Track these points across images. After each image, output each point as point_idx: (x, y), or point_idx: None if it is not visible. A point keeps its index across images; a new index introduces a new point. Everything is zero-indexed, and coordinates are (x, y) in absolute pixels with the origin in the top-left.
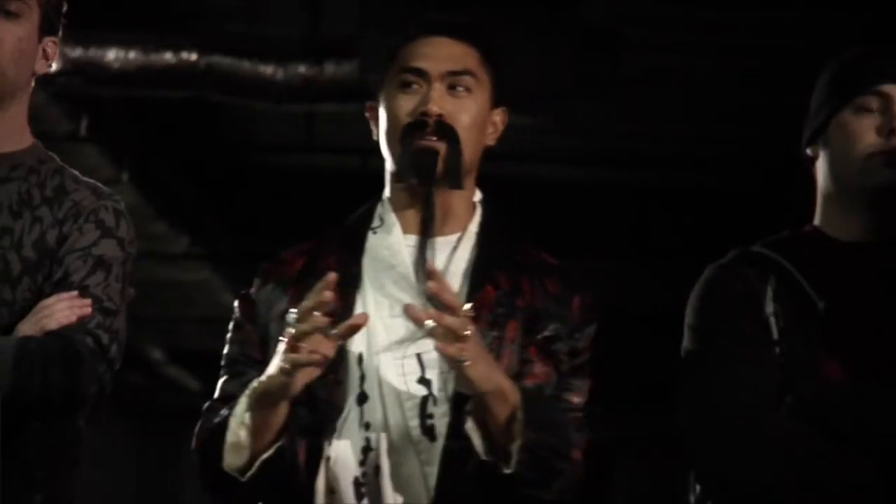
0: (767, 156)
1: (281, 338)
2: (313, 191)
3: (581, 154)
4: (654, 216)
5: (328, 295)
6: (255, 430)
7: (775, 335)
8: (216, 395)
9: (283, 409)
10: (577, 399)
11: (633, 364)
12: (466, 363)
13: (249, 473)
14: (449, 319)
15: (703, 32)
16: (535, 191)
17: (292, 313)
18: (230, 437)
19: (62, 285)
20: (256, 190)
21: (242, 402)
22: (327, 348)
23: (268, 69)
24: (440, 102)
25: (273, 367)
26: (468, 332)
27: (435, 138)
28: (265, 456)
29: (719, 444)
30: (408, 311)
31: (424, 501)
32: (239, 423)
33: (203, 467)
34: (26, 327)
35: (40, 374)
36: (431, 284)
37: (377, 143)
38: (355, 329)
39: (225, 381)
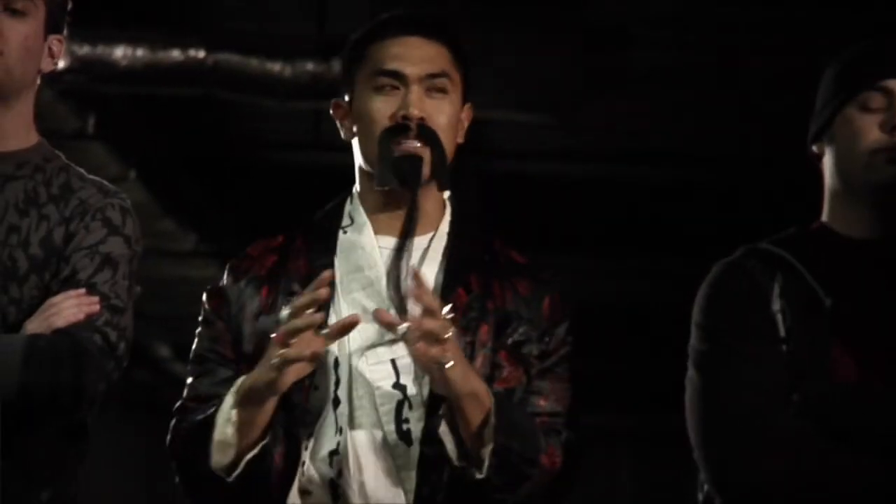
0: (774, 153)
1: (272, 335)
2: (321, 188)
3: (588, 152)
4: (660, 214)
5: (324, 292)
6: (242, 428)
7: (782, 332)
8: (186, 393)
9: (269, 407)
10: (544, 402)
11: (637, 362)
12: (448, 365)
13: (236, 473)
14: (430, 323)
15: (709, 30)
16: (542, 189)
17: (285, 310)
18: (217, 434)
19: (70, 283)
20: (264, 187)
21: (228, 399)
22: (318, 346)
23: (275, 66)
24: (420, 105)
25: (262, 363)
26: (448, 335)
27: (418, 143)
28: (251, 455)
29: (726, 443)
30: (377, 316)
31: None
32: (225, 421)
33: (186, 467)
34: (34, 325)
35: (49, 372)
36: (412, 287)
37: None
38: (347, 329)
39: (195, 380)
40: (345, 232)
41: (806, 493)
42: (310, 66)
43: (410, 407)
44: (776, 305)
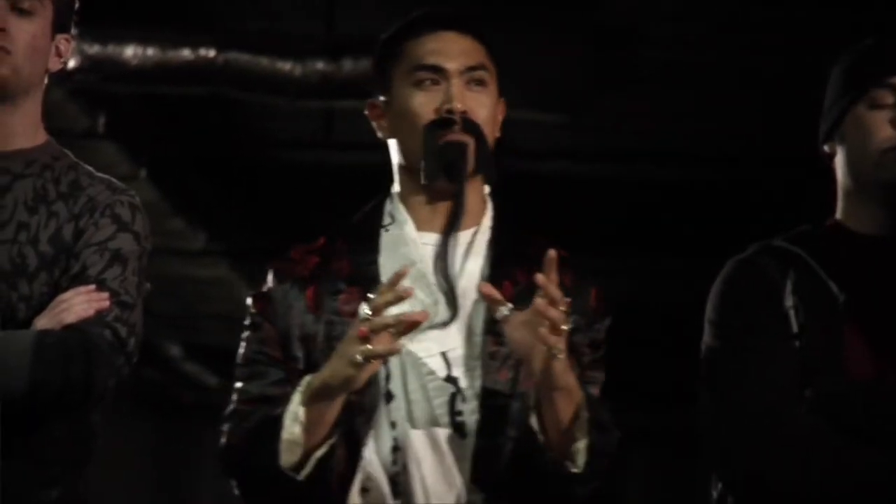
0: (784, 152)
1: (349, 331)
2: (331, 187)
3: (598, 151)
4: (670, 213)
5: (409, 289)
6: (310, 427)
7: (795, 329)
8: (238, 397)
9: (337, 405)
10: (597, 392)
11: (647, 361)
12: (560, 356)
13: (305, 472)
14: (554, 312)
15: (719, 28)
16: (552, 188)
17: (364, 307)
18: (285, 434)
19: (79, 279)
20: (274, 186)
21: (296, 398)
22: (395, 342)
23: (285, 66)
24: (462, 99)
25: (336, 360)
26: (566, 327)
27: (461, 133)
28: (320, 453)
29: (738, 439)
30: (484, 290)
31: (457, 497)
32: (293, 420)
33: (252, 468)
34: (44, 321)
35: (60, 368)
36: (540, 277)
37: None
38: (414, 325)
39: (246, 383)
40: (387, 230)
41: (818, 489)
42: (320, 65)
43: (464, 399)
44: (789, 302)
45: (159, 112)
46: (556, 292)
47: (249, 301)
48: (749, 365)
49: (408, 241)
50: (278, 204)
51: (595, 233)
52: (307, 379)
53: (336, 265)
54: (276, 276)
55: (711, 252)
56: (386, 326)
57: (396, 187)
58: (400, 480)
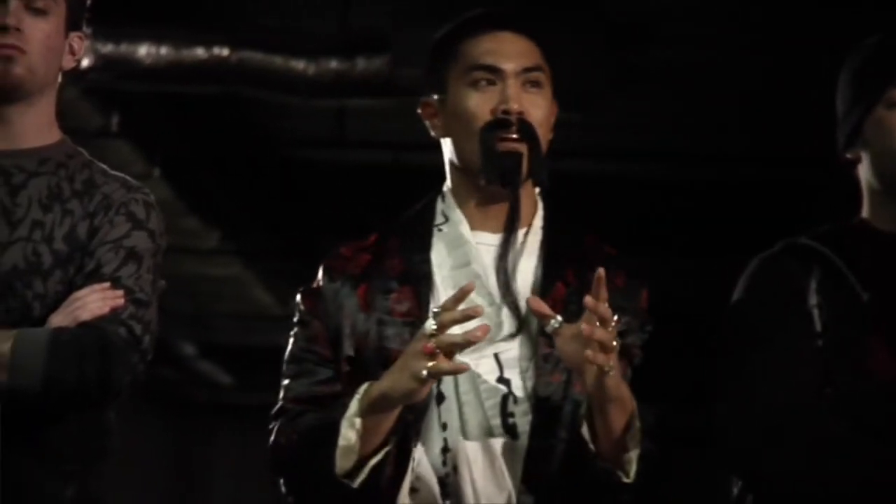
0: (797, 149)
1: (413, 345)
2: (344, 186)
3: (610, 149)
4: (684, 211)
5: (478, 308)
6: (366, 435)
7: (818, 327)
8: (285, 394)
9: (394, 415)
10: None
11: (665, 361)
12: (610, 373)
13: (360, 479)
14: (602, 334)
15: (731, 27)
16: (566, 186)
17: (430, 322)
18: (341, 440)
19: (94, 277)
20: (287, 185)
21: (354, 406)
22: (461, 362)
23: (299, 64)
24: (518, 100)
25: (398, 371)
26: (615, 344)
27: (516, 136)
28: (375, 461)
29: (759, 438)
30: (533, 304)
31: (507, 499)
32: (349, 427)
33: (305, 472)
34: (59, 319)
35: (75, 366)
36: (589, 300)
37: (408, 139)
38: (477, 339)
39: (293, 381)
40: (440, 230)
41: (838, 488)
42: (333, 63)
43: (515, 401)
44: (813, 300)
45: (173, 111)
46: (605, 312)
47: (298, 298)
48: (770, 362)
49: (463, 242)
50: (292, 202)
51: (609, 232)
52: (365, 387)
53: (388, 263)
54: (327, 274)
55: (728, 251)
56: (453, 345)
57: (448, 186)
58: (450, 482)
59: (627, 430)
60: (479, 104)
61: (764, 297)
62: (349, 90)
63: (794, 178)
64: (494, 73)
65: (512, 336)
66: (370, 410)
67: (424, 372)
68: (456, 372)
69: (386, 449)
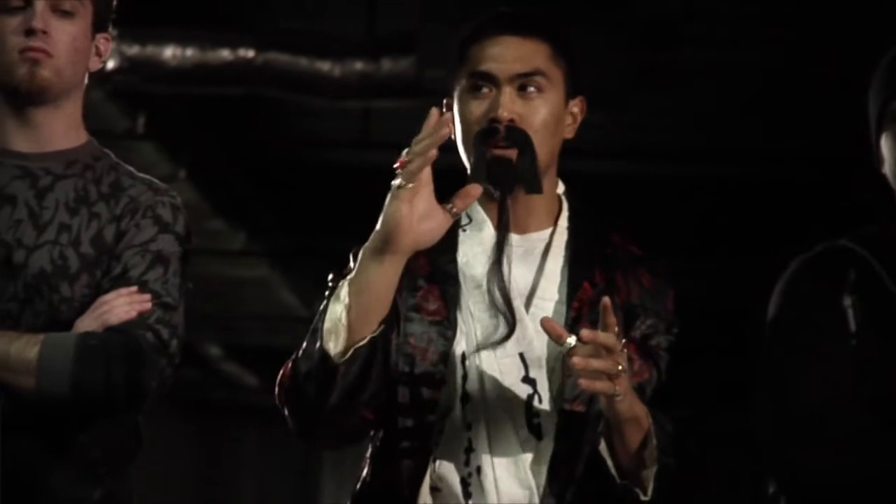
0: (822, 149)
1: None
2: (369, 187)
3: (638, 149)
4: (713, 211)
5: (445, 132)
6: (356, 315)
7: (853, 328)
8: (296, 354)
9: (387, 298)
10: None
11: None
12: (619, 398)
13: (345, 359)
14: (599, 364)
15: (759, 26)
16: (589, 186)
17: (405, 156)
18: (328, 317)
19: (121, 281)
20: (313, 186)
21: (345, 285)
22: (442, 215)
23: (325, 66)
24: (510, 107)
25: (382, 216)
26: (622, 368)
27: (503, 144)
28: (360, 344)
29: (792, 438)
30: (546, 325)
31: (529, 501)
32: (336, 301)
33: (301, 373)
34: (86, 323)
35: (103, 371)
36: (585, 332)
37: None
38: (471, 199)
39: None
40: (464, 230)
41: (870, 488)
42: (359, 65)
43: (540, 401)
44: (847, 301)
45: (199, 112)
46: (607, 341)
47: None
48: (805, 363)
49: (488, 242)
50: (317, 204)
51: (631, 231)
52: (351, 274)
53: (415, 262)
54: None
55: (753, 251)
56: (419, 154)
57: None
58: (472, 482)
59: (644, 446)
60: (474, 111)
61: (799, 299)
62: (375, 91)
63: (818, 179)
64: (490, 80)
65: (506, 338)
66: (359, 286)
67: (398, 180)
68: (424, 162)
69: (373, 335)
